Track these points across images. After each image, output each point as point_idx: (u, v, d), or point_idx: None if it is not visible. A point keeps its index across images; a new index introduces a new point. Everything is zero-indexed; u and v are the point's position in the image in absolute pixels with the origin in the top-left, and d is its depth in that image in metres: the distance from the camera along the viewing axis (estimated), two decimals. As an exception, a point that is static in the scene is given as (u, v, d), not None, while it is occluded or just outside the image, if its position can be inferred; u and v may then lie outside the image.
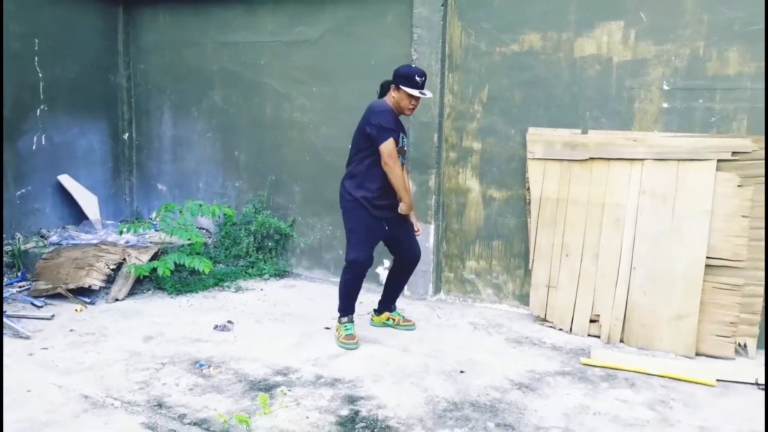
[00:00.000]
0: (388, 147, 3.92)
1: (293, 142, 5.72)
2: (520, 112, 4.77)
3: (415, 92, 3.95)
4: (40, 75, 5.73)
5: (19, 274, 5.23)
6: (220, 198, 6.10)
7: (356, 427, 3.05)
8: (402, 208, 4.08)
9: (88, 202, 6.01)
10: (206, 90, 6.12)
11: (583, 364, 3.92)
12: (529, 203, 4.73)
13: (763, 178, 4.02)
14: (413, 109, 4.06)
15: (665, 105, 4.31)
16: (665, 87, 4.30)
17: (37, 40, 5.67)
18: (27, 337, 4.02)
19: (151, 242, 5.58)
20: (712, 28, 4.13)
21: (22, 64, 5.56)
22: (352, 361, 3.88)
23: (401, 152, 4.06)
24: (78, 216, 6.08)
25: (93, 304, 4.78)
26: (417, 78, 3.94)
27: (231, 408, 3.19)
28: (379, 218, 4.10)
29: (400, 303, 4.91)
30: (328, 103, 5.49)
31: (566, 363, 3.94)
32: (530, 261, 4.72)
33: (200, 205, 5.27)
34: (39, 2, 5.66)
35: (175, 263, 4.95)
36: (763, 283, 4.04)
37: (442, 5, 4.85)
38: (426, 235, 5.08)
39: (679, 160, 4.24)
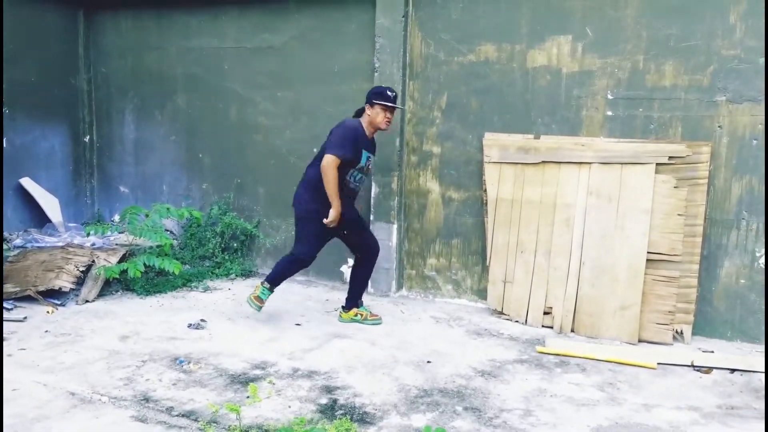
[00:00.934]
0: (329, 159, 4.25)
1: (258, 145, 5.88)
2: (477, 118, 5.09)
3: (389, 104, 4.35)
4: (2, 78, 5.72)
5: (-17, 277, 5.22)
6: (185, 200, 6.21)
7: (336, 414, 3.28)
8: (331, 213, 4.32)
9: (50, 204, 6.02)
10: (169, 94, 6.22)
11: (539, 352, 4.25)
12: (486, 204, 5.05)
13: (696, 180, 4.45)
14: (389, 122, 4.45)
15: (609, 113, 4.70)
16: (609, 96, 4.68)
17: (-3, 43, 5.66)
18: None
19: (117, 244, 5.64)
20: (651, 44, 4.54)
21: (-18, 67, 5.54)
22: (325, 354, 4.10)
23: (364, 170, 4.48)
24: (39, 219, 6.08)
25: (64, 305, 4.84)
26: (389, 93, 4.40)
27: (215, 400, 3.37)
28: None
29: (366, 300, 5.17)
30: (292, 107, 5.69)
31: (523, 352, 4.27)
32: (487, 258, 5.04)
33: (168, 209, 5.38)
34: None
35: (144, 264, 5.05)
36: (696, 275, 4.47)
37: (403, 17, 5.12)
38: (389, 235, 5.35)
39: (622, 163, 4.63)
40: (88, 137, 6.56)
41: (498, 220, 5.00)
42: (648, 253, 4.52)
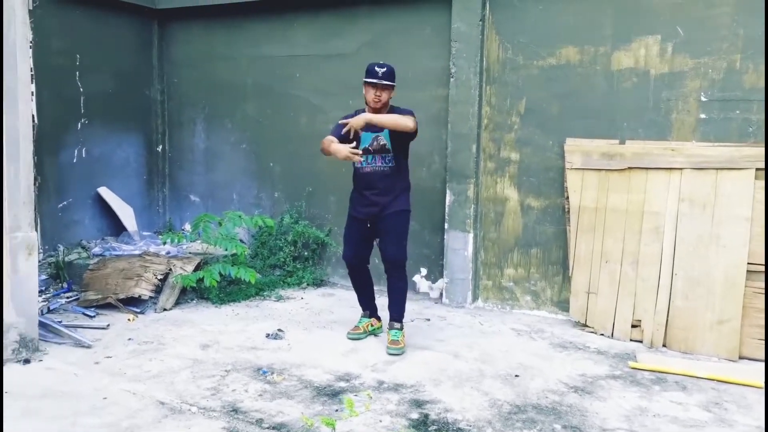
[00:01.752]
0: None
1: (329, 153, 5.83)
2: (557, 124, 4.91)
3: (371, 79, 4.17)
4: (81, 89, 5.84)
5: (64, 284, 5.31)
6: (255, 208, 6.21)
7: (429, 429, 3.16)
8: (333, 147, 4.16)
9: (126, 213, 6.11)
10: (239, 102, 6.24)
11: (632, 368, 4.04)
12: (568, 212, 4.87)
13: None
14: (377, 101, 4.18)
15: (702, 116, 4.46)
16: (703, 98, 4.45)
17: (78, 56, 5.78)
18: (89, 346, 4.11)
19: (190, 253, 5.67)
20: (748, 42, 4.29)
21: (64, 79, 5.67)
22: (408, 366, 3.99)
23: (372, 151, 4.24)
24: (115, 227, 6.17)
25: (143, 313, 4.87)
26: (375, 68, 4.19)
27: (304, 412, 3.29)
28: (358, 218, 4.39)
29: (441, 311, 5.08)
30: (365, 115, 5.61)
31: (614, 367, 4.07)
32: (570, 268, 4.85)
33: (240, 216, 5.38)
34: (80, 18, 5.78)
35: (219, 273, 5.04)
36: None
37: (480, 20, 5.00)
38: (464, 244, 5.21)
39: (717, 168, 4.39)
40: (160, 147, 6.65)
41: (581, 228, 4.81)
42: (747, 264, 4.27)
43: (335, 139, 4.24)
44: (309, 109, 5.90)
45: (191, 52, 6.43)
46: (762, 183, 4.26)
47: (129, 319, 4.71)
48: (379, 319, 4.64)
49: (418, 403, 3.45)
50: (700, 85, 4.46)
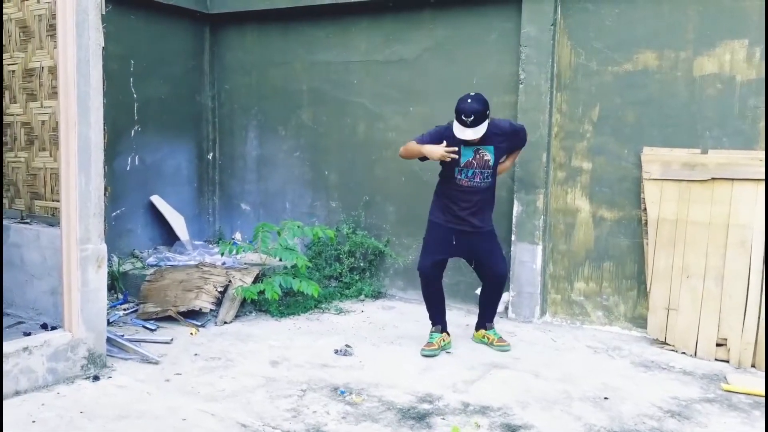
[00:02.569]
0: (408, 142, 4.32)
1: (387, 161, 5.68)
2: (633, 132, 4.71)
3: (458, 131, 4.05)
4: (135, 96, 5.74)
5: (120, 296, 5.20)
6: (309, 218, 6.06)
7: (529, 458, 2.98)
8: (432, 151, 4.12)
9: (178, 222, 6.00)
10: (294, 109, 6.11)
11: (726, 390, 3.83)
12: (646, 224, 4.66)
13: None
14: (466, 142, 4.11)
15: (793, 124, 4.25)
16: (793, 106, 4.24)
17: (132, 61, 5.69)
18: (156, 362, 3.98)
19: (245, 263, 5.53)
20: None
21: (119, 85, 5.57)
22: (489, 386, 3.81)
23: (476, 166, 4.18)
24: (166, 236, 6.07)
25: (204, 326, 4.74)
26: (464, 118, 4.00)
27: (394, 438, 3.13)
28: (444, 227, 4.29)
29: (507, 326, 4.87)
30: (426, 122, 5.43)
31: (706, 389, 3.85)
32: (648, 283, 4.64)
33: (298, 226, 5.24)
34: (134, 23, 5.69)
35: (280, 285, 4.90)
36: None
37: (552, 25, 4.82)
38: (533, 257, 5.02)
39: (809, 179, 4.17)
40: (211, 154, 6.53)
41: (660, 241, 4.59)
42: (844, 280, 4.04)
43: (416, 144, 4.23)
44: (367, 116, 5.75)
45: (243, 58, 6.32)
46: None
47: (191, 333, 4.57)
48: (449, 334, 4.47)
49: (510, 428, 3.27)
50: (790, 91, 4.24)
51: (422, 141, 4.22)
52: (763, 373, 4.13)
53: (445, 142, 4.10)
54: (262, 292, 4.88)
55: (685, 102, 4.54)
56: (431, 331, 4.45)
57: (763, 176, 4.28)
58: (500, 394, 3.69)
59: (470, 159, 4.18)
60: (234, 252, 5.21)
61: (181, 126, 6.23)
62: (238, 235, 6.51)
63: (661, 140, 4.63)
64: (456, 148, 4.08)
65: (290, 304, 5.24)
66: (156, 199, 5.93)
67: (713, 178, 4.43)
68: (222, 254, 5.28)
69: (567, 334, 4.81)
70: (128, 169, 5.73)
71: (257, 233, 5.28)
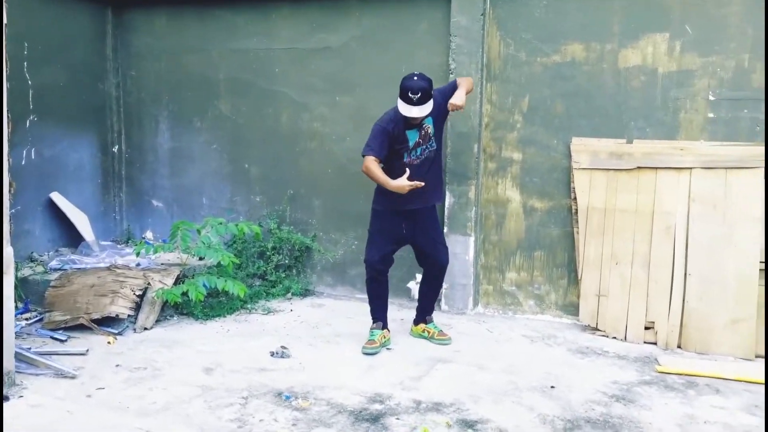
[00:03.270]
0: (365, 161, 4.00)
1: (313, 153, 5.46)
2: (562, 123, 4.78)
3: (403, 109, 3.93)
4: (30, 82, 5.17)
5: (21, 304, 4.66)
6: (229, 214, 5.72)
7: (493, 453, 2.91)
8: (394, 185, 3.94)
9: (81, 221, 5.48)
10: (211, 99, 5.74)
11: (660, 372, 3.95)
12: (576, 213, 4.75)
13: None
14: (414, 120, 4.01)
15: (711, 115, 4.44)
16: (711, 97, 4.43)
17: (26, 44, 5.11)
18: (73, 376, 3.57)
19: (162, 264, 5.13)
20: (757, 42, 4.30)
21: (10, 69, 4.97)
22: (437, 381, 3.71)
23: (424, 143, 4.08)
24: (68, 237, 5.53)
25: (121, 334, 4.33)
26: (410, 95, 3.88)
27: (351, 442, 2.95)
28: (391, 215, 4.14)
29: (441, 318, 4.79)
30: (354, 113, 5.28)
31: (641, 371, 3.95)
32: (579, 271, 4.73)
33: (221, 223, 4.92)
34: (27, 1, 5.11)
35: (204, 286, 4.57)
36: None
37: (482, 14, 4.79)
38: (465, 248, 4.99)
39: (727, 168, 4.38)
40: (116, 147, 6.02)
41: (590, 230, 4.69)
42: (761, 263, 4.27)
43: (377, 163, 4.00)
44: (291, 106, 5.49)
45: (152, 43, 5.86)
46: (771, 182, 4.29)
47: (109, 342, 4.16)
48: (389, 330, 4.34)
49: (468, 424, 3.19)
50: (708, 84, 4.44)
51: (374, 151, 4.00)
52: (690, 354, 4.31)
53: (408, 172, 3.97)
54: (185, 294, 4.54)
55: (612, 93, 4.65)
56: (372, 328, 4.30)
57: (684, 165, 4.46)
58: (449, 389, 3.61)
59: (417, 139, 4.08)
60: (151, 252, 4.81)
61: (83, 116, 5.69)
62: (149, 234, 6.06)
63: (589, 130, 4.72)
64: (422, 184, 3.96)
65: (214, 305, 4.91)
66: (56, 197, 5.38)
67: (639, 167, 4.57)
68: (137, 255, 4.87)
69: (501, 325, 4.81)
70: (23, 163, 5.15)
71: (175, 231, 4.91)
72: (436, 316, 4.66)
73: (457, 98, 4.11)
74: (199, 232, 4.96)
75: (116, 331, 4.32)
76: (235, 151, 5.71)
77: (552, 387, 3.68)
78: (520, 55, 4.83)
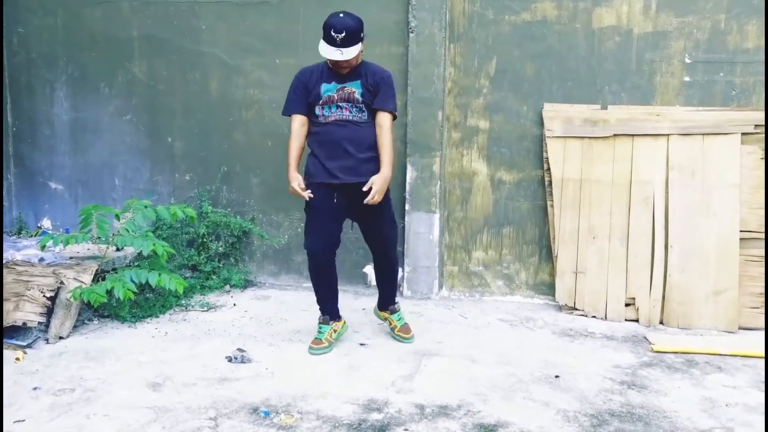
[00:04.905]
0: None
1: (249, 124, 4.76)
2: (533, 87, 4.41)
3: (326, 52, 3.37)
4: None
5: None
6: (148, 196, 4.87)
7: (532, 464, 2.47)
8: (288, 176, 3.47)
9: (-39, 209, 4.46)
10: (121, 61, 4.86)
11: (656, 351, 3.70)
12: (549, 185, 4.41)
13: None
14: (336, 64, 3.42)
15: (687, 78, 4.23)
16: (687, 60, 4.22)
17: None
18: (-22, 408, 2.75)
19: (71, 258, 4.26)
20: (733, 2, 4.12)
21: None
22: (431, 380, 3.23)
23: (336, 100, 3.46)
24: (-55, 229, 4.50)
25: (31, 347, 3.48)
26: (333, 34, 3.31)
27: (364, 467, 2.41)
28: (321, 187, 3.45)
29: (406, 305, 4.30)
30: (297, 77, 4.63)
31: (637, 353, 3.68)
32: (554, 246, 4.40)
33: (146, 206, 4.13)
34: None
35: (134, 283, 3.80)
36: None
37: (445, -35, 4.30)
38: (429, 227, 4.53)
39: (703, 134, 4.19)
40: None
41: (564, 203, 4.37)
42: (740, 231, 4.14)
43: (298, 126, 3.51)
44: (221, 69, 4.74)
45: (44, -7, 4.88)
46: (748, 148, 4.14)
47: (17, 359, 3.31)
48: (341, 319, 3.73)
49: (487, 429, 2.73)
50: (684, 46, 4.22)
51: (290, 108, 3.54)
52: (675, 329, 4.11)
53: (300, 178, 3.46)
54: (109, 292, 3.74)
55: (585, 55, 4.33)
56: (320, 323, 3.64)
57: (661, 132, 4.23)
58: (448, 387, 3.14)
59: (331, 94, 3.46)
60: (60, 244, 3.95)
61: (-43, 81, 4.65)
62: (46, 223, 5.11)
63: (561, 96, 4.38)
64: (310, 195, 3.43)
65: (142, 304, 4.13)
66: (-72, 179, 4.33)
67: (615, 135, 4.29)
68: (42, 248, 3.98)
69: (472, 309, 4.40)
70: None
71: (88, 218, 4.05)
72: (401, 302, 4.14)
73: (378, 184, 3.41)
74: (117, 217, 4.14)
75: (24, 344, 3.47)
76: (155, 123, 4.88)
77: (556, 377, 3.31)
78: (487, 12, 4.39)
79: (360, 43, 3.38)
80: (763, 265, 4.13)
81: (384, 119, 3.46)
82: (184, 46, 4.76)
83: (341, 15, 3.36)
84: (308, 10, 4.57)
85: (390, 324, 3.87)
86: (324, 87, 3.47)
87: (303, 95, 3.49)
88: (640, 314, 4.22)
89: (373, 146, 3.48)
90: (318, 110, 3.48)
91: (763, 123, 4.12)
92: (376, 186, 3.38)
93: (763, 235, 4.13)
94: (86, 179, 5.04)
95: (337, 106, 3.45)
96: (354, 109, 3.47)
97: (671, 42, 4.22)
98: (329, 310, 3.68)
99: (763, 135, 4.13)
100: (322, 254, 3.55)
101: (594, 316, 4.29)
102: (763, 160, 4.13)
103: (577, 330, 4.04)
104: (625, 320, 4.23)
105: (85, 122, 4.98)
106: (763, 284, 4.12)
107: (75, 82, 4.95)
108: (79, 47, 4.90)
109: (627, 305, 4.27)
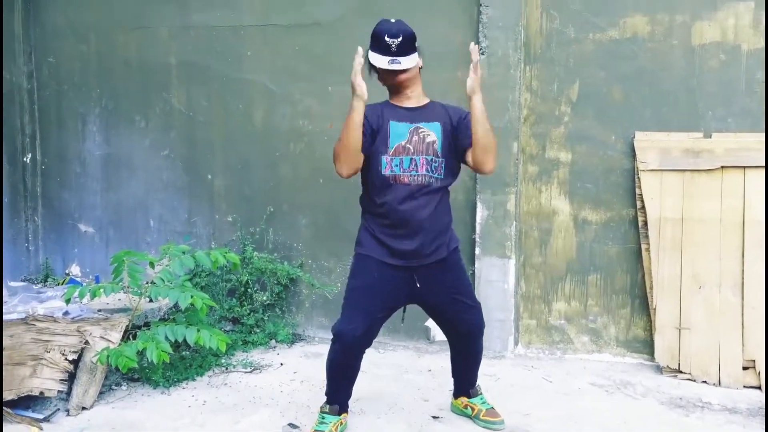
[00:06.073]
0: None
1: (298, 158, 4.27)
2: (621, 113, 3.84)
3: (378, 61, 2.70)
4: None
5: None
6: (185, 239, 4.41)
7: None
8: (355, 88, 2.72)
9: (-18, 255, 4.02)
10: (158, 91, 4.45)
11: (797, 430, 3.03)
12: (644, 226, 3.80)
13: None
14: (395, 79, 2.75)
15: (807, 101, 3.63)
16: (807, 80, 3.62)
17: None
18: None
19: (99, 311, 3.78)
20: None
21: None
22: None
23: (414, 151, 2.72)
24: (-37, 278, 4.06)
25: (49, 420, 2.97)
26: (386, 39, 2.68)
27: None
28: (382, 265, 2.77)
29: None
30: (351, 105, 4.14)
31: (773, 431, 3.02)
32: (651, 297, 3.78)
33: (184, 252, 3.63)
34: None
35: (169, 341, 3.28)
36: None
37: (520, -22, 3.80)
38: (503, 274, 3.94)
39: (829, 165, 3.57)
40: (29, 156, 4.61)
41: (663, 246, 3.75)
42: None
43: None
44: (267, 98, 4.28)
45: (76, 18, 4.52)
46: None
47: (32, 437, 2.81)
48: (348, 412, 2.99)
49: None
50: (803, 63, 3.63)
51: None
52: (806, 399, 3.43)
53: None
54: (141, 353, 3.23)
55: (684, 76, 3.75)
56: (323, 412, 2.90)
57: (779, 162, 3.62)
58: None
59: (403, 142, 2.73)
60: (87, 295, 3.45)
61: (-17, 114, 4.27)
62: (75, 269, 4.67)
63: (655, 123, 3.80)
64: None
65: (177, 364, 3.60)
66: (-55, 222, 3.92)
67: (722, 167, 3.69)
68: (67, 301, 3.49)
69: (555, 369, 3.78)
70: None
71: (120, 265, 3.57)
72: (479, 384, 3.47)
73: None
74: (152, 264, 3.65)
75: (42, 417, 2.96)
76: (194, 158, 4.43)
77: (684, 466, 2.67)
78: (568, 30, 3.86)
79: (417, 54, 2.76)
80: None
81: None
82: (226, 73, 4.33)
83: (393, 20, 2.75)
84: (364, 31, 4.08)
85: (473, 410, 3.12)
86: (393, 126, 2.75)
87: (369, 132, 2.74)
88: (762, 380, 3.54)
89: (449, 214, 2.89)
90: (384, 166, 2.72)
91: None
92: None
93: None
94: (118, 220, 4.60)
95: (412, 161, 2.73)
96: (433, 163, 2.74)
97: (787, 59, 3.64)
98: (341, 401, 2.95)
99: None
100: (360, 346, 2.80)
101: (704, 381, 3.62)
102: None
103: (689, 399, 3.38)
104: (744, 387, 3.56)
105: (119, 158, 4.56)
106: None
107: (108, 114, 4.55)
108: (113, 76, 4.51)
109: (745, 368, 3.60)
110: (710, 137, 3.73)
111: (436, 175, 2.75)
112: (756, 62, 3.67)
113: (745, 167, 3.66)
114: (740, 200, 3.66)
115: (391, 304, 2.84)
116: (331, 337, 2.84)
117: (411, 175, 2.72)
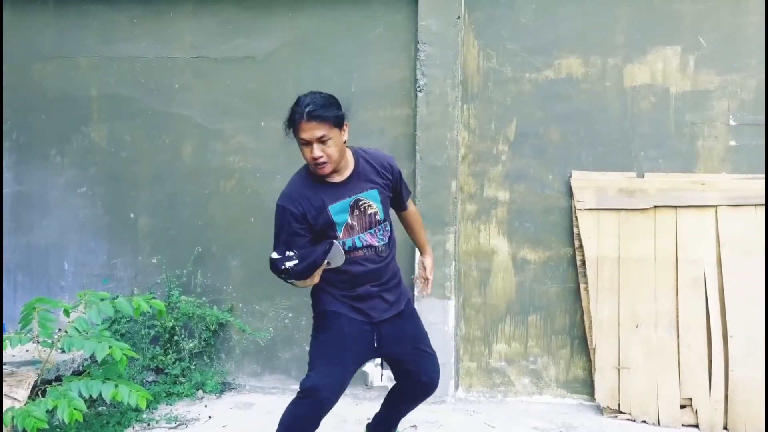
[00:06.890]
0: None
1: (230, 197, 4.07)
2: (558, 153, 3.86)
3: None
4: None
5: None
6: (104, 282, 4.11)
7: None
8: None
9: None
10: (77, 125, 4.16)
11: (738, 471, 3.03)
12: (582, 264, 3.80)
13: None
14: (316, 163, 2.51)
15: (732, 143, 3.74)
16: (732, 122, 3.74)
17: None
18: None
19: (6, 365, 3.41)
20: (779, 58, 3.71)
21: None
22: None
23: (357, 229, 2.61)
24: None
25: (-61, 496, 2.61)
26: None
27: None
28: (353, 321, 2.65)
29: (417, 411, 3.45)
30: (285, 142, 3.92)
31: (714, 472, 3.00)
32: (591, 337, 3.75)
33: (103, 299, 3.33)
34: None
35: (83, 398, 2.97)
36: None
37: (458, 17, 3.79)
38: (443, 316, 3.84)
39: (755, 205, 3.68)
40: (-73, 193, 4.19)
41: (601, 285, 3.75)
42: (809, 316, 3.57)
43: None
44: (196, 134, 4.07)
45: (-14, 47, 4.19)
46: (808, 220, 3.64)
47: None
48: None
49: None
50: (728, 106, 3.74)
51: (281, 252, 2.53)
52: (743, 437, 3.45)
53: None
54: (51, 412, 2.90)
55: (617, 117, 3.82)
56: None
57: (708, 202, 3.69)
58: None
59: (348, 220, 2.59)
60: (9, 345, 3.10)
61: None
62: (-21, 317, 4.22)
63: (591, 162, 3.84)
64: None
65: (92, 422, 3.29)
66: None
67: (655, 206, 3.74)
68: (-32, 355, 3.13)
69: (497, 413, 3.69)
70: None
71: (29, 314, 3.23)
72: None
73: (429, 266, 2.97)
74: (66, 312, 3.33)
75: (-70, 492, 2.59)
76: (115, 196, 4.14)
77: None
78: (505, 69, 3.87)
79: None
80: (836, 356, 3.56)
81: (410, 204, 2.99)
82: (152, 107, 4.09)
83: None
84: (300, 67, 3.98)
85: None
86: (334, 210, 2.57)
87: (299, 231, 2.55)
88: (699, 419, 3.55)
89: (397, 266, 2.82)
90: (346, 241, 2.61)
91: (822, 192, 3.64)
92: (430, 268, 2.93)
93: (833, 321, 3.58)
94: (28, 263, 4.22)
95: (360, 238, 2.62)
96: (380, 232, 2.68)
97: (713, 102, 3.75)
98: None
99: (824, 205, 3.64)
100: (334, 400, 2.62)
101: (644, 421, 3.61)
102: (826, 234, 3.62)
103: (634, 442, 3.35)
104: (683, 426, 3.56)
105: (30, 196, 4.21)
106: (838, 379, 3.53)
107: (20, 149, 4.20)
108: (26, 109, 4.18)
109: (683, 407, 3.60)
110: (643, 177, 3.79)
111: (384, 240, 2.69)
112: (684, 104, 3.77)
113: (676, 207, 3.73)
114: (673, 240, 3.72)
115: (360, 357, 2.74)
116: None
117: (363, 249, 2.64)
